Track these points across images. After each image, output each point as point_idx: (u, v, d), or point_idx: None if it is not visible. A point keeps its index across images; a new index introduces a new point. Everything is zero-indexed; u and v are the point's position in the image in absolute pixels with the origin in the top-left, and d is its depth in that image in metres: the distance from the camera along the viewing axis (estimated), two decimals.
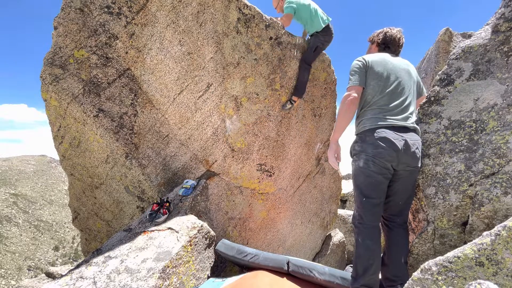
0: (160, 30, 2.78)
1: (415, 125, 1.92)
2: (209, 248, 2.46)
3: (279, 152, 3.64)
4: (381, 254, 1.82)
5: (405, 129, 1.84)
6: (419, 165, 1.91)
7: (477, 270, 1.27)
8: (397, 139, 1.78)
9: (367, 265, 1.71)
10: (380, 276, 1.90)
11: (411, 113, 1.92)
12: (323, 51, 3.66)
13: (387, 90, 1.90)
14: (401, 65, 2.02)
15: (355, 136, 1.99)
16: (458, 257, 1.31)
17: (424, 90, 2.22)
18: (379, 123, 1.83)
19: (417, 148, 1.85)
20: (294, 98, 3.50)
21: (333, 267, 2.50)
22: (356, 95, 1.90)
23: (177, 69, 2.93)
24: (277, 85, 3.41)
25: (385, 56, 2.01)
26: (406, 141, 1.80)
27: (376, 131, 1.82)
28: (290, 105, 3.50)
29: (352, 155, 1.98)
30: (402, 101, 1.90)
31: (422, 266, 1.39)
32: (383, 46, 2.14)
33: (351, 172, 2.13)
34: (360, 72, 1.93)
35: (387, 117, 1.84)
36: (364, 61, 1.96)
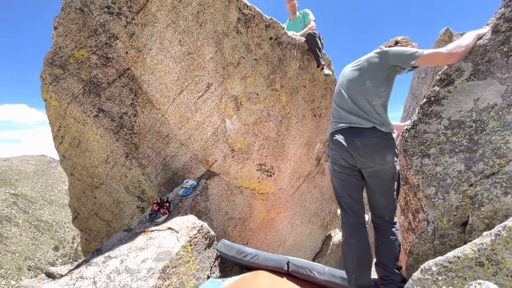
0: (160, 30, 2.77)
1: (374, 122, 1.75)
2: (209, 248, 2.46)
3: (279, 152, 3.64)
4: (373, 253, 1.82)
5: (360, 130, 1.77)
6: (385, 164, 1.74)
7: (477, 270, 1.27)
8: (346, 140, 1.80)
9: (353, 264, 1.71)
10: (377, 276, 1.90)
11: (368, 111, 1.79)
12: (323, 51, 3.69)
13: (343, 89, 1.93)
14: (368, 57, 1.89)
15: None
16: (458, 257, 1.31)
17: (406, 61, 1.77)
18: (335, 127, 1.90)
19: (373, 145, 1.73)
20: (320, 66, 3.64)
21: (333, 267, 2.50)
22: None
23: (177, 69, 2.93)
24: (277, 85, 3.41)
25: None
26: (354, 142, 1.75)
27: (332, 135, 1.90)
28: (328, 71, 3.64)
29: None
30: (356, 100, 1.83)
31: (422, 266, 1.38)
32: None
33: None
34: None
35: (341, 120, 1.88)
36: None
